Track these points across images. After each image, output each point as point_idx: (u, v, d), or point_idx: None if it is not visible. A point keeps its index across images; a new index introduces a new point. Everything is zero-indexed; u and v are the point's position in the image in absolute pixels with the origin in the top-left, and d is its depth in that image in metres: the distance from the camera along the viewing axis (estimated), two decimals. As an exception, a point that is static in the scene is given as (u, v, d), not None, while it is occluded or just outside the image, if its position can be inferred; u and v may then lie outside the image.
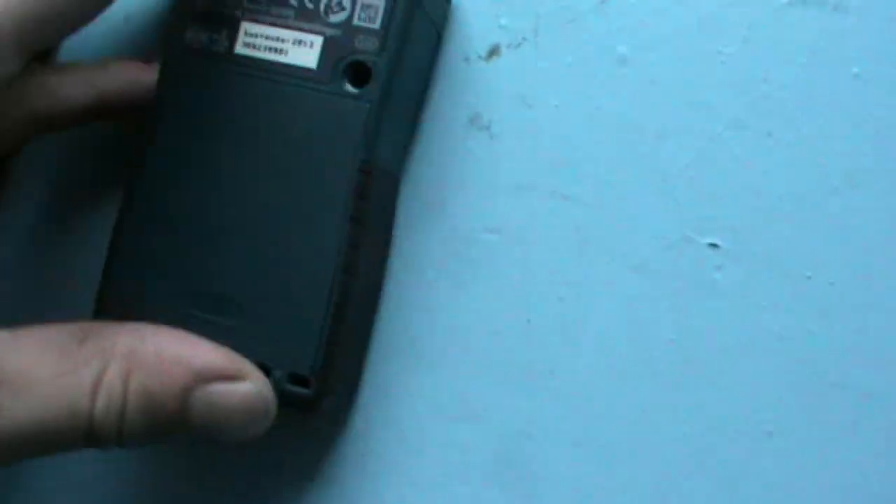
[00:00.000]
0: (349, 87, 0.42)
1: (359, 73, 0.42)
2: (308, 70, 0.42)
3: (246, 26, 0.43)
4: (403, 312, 0.44)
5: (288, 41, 0.43)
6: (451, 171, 0.45)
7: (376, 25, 0.42)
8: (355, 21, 0.42)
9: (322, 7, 0.43)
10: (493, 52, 0.45)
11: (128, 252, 0.42)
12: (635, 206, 0.43)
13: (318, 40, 0.43)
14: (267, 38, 0.43)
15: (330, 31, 0.42)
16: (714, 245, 0.43)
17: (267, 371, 0.40)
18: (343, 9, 0.43)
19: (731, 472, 0.42)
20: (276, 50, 0.43)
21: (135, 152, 0.42)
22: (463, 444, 0.44)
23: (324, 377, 0.41)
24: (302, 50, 0.43)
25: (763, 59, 0.43)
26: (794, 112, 0.43)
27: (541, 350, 0.44)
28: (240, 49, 0.43)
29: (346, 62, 0.42)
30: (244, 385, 0.38)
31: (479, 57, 0.45)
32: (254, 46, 0.43)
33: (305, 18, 0.43)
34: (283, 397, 0.40)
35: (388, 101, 0.42)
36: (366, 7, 0.42)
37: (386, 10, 0.42)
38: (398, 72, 0.42)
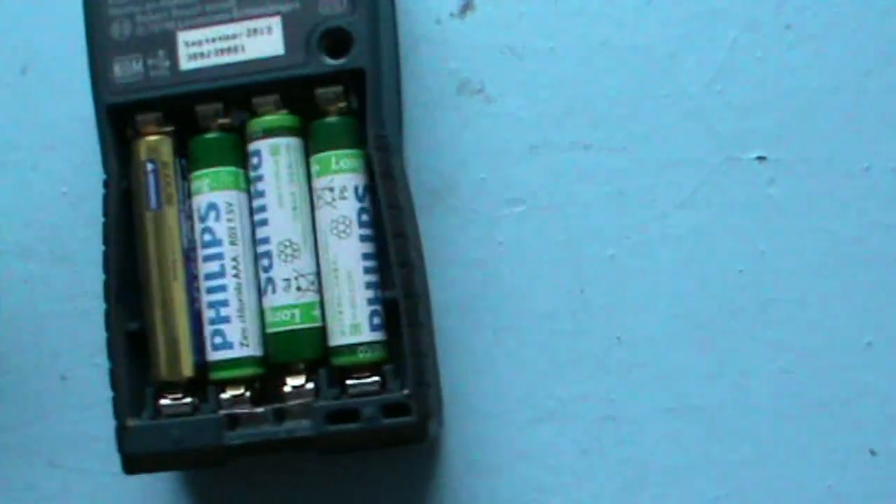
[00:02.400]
0: (330, 60, 0.36)
1: (336, 42, 0.36)
2: (276, 58, 0.36)
3: (184, 36, 0.37)
4: (442, 317, 0.39)
5: (241, 35, 0.37)
6: (452, 145, 0.40)
7: None
8: None
9: None
10: (466, 6, 0.40)
11: None
12: (666, 137, 0.39)
13: (276, 21, 0.37)
14: (213, 40, 0.37)
15: (286, 6, 0.37)
16: (761, 158, 0.39)
17: (353, 414, 0.34)
18: None
19: (833, 391, 0.38)
20: (229, 50, 0.37)
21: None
22: (548, 447, 0.38)
23: (422, 395, 0.35)
24: (260, 39, 0.37)
25: (759, -52, 0.39)
26: (807, -1, 0.39)
27: (602, 319, 0.39)
28: (186, 64, 0.37)
29: (318, 33, 0.36)
30: None
31: (452, 15, 0.40)
32: (202, 55, 0.37)
33: (251, 3, 0.37)
34: (381, 437, 0.34)
35: (379, 65, 0.36)
36: None
37: None
38: (378, 31, 0.36)
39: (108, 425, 0.40)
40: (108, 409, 0.40)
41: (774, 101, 0.39)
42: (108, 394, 0.40)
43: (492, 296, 0.39)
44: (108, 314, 0.37)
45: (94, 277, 0.40)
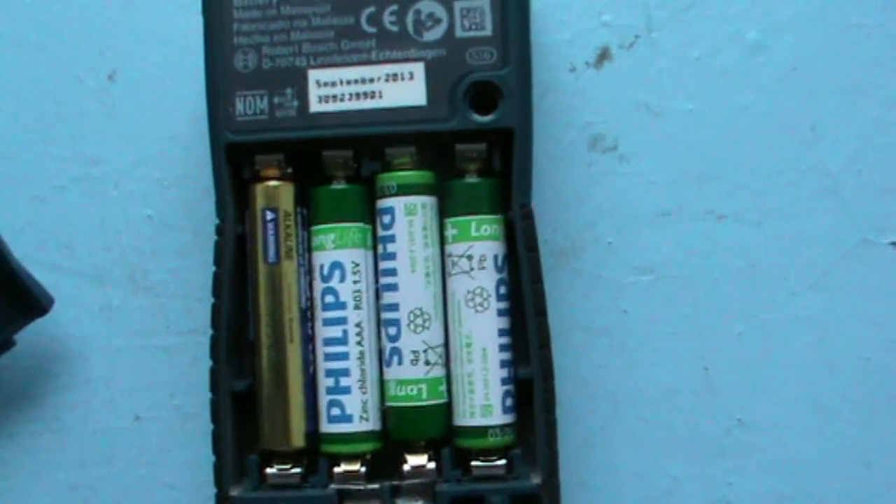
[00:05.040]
0: (476, 116, 0.34)
1: (484, 96, 0.34)
2: (417, 109, 0.34)
3: (316, 75, 0.34)
4: (558, 385, 0.37)
5: (379, 79, 0.34)
6: (580, 204, 0.38)
7: (487, 31, 0.34)
8: (458, 32, 0.34)
9: (410, 25, 0.34)
10: (603, 56, 0.38)
11: None
12: (802, 214, 0.38)
13: (419, 67, 0.34)
14: (349, 82, 0.34)
15: (430, 53, 0.34)
16: (897, 243, 0.38)
17: (479, 501, 0.33)
18: (438, 20, 0.34)
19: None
20: (366, 95, 0.34)
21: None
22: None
23: (553, 485, 0.33)
24: (400, 86, 0.34)
25: (912, 25, 0.38)
26: (956, 78, 0.38)
27: (724, 398, 0.38)
28: (317, 106, 0.34)
29: (464, 85, 0.34)
30: None
31: (587, 64, 0.38)
32: (334, 98, 0.34)
33: (393, 45, 0.34)
34: None
35: (529, 127, 0.34)
36: (467, 12, 0.34)
37: (494, 11, 0.34)
38: (530, 88, 0.34)
39: (183, 473, 0.39)
40: (186, 455, 0.39)
41: (914, 183, 0.38)
42: (187, 439, 0.38)
43: (612, 366, 0.38)
44: (213, 373, 0.34)
45: (178, 312, 0.39)
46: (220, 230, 0.35)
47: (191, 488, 0.38)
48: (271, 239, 0.35)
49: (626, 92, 0.38)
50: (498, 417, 0.34)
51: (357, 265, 0.34)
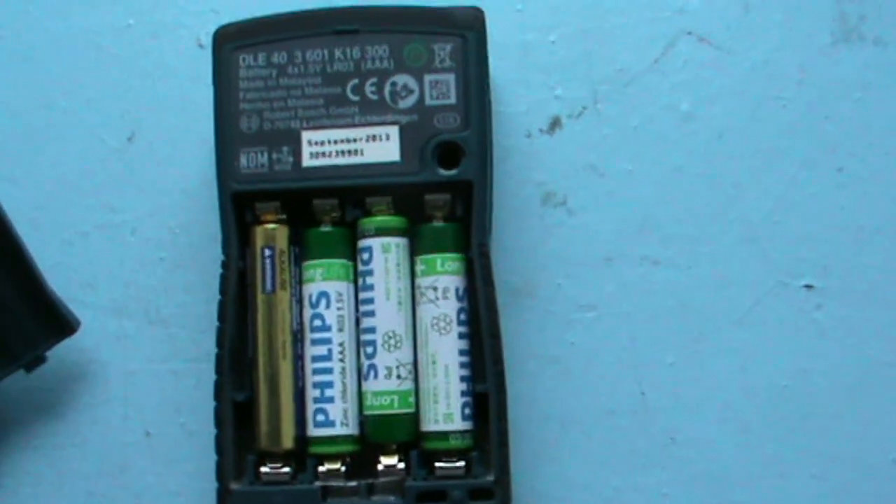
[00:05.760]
0: (442, 171, 0.40)
1: (448, 154, 0.40)
2: (392, 164, 0.40)
3: (308, 136, 0.40)
4: (515, 406, 0.42)
5: (360, 139, 0.40)
6: (534, 251, 0.43)
7: (452, 100, 0.40)
8: (428, 101, 0.40)
9: (387, 95, 0.40)
10: (555, 124, 0.44)
11: None
12: (726, 259, 0.43)
13: (394, 130, 0.40)
14: (335, 142, 0.40)
15: (404, 118, 0.40)
16: (809, 286, 0.43)
17: (441, 495, 0.38)
18: (411, 91, 0.40)
19: (859, 501, 0.42)
20: (350, 152, 0.40)
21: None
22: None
23: (505, 482, 0.38)
24: (378, 145, 0.40)
25: (820, 98, 0.44)
26: (859, 145, 0.43)
27: (659, 419, 0.43)
28: (308, 161, 0.40)
29: (432, 145, 0.40)
30: None
31: (541, 131, 0.44)
32: (323, 154, 0.40)
33: (372, 111, 0.40)
34: None
35: (485, 178, 0.40)
36: (435, 84, 0.40)
37: (458, 83, 0.40)
38: (487, 147, 0.40)
39: (188, 482, 0.43)
40: (190, 466, 0.43)
41: (824, 234, 0.43)
42: (191, 452, 0.43)
43: (562, 390, 0.43)
44: (218, 385, 0.40)
45: (185, 341, 0.43)
46: (225, 265, 0.40)
47: (195, 495, 0.43)
48: (269, 272, 0.40)
49: (574, 155, 0.43)
50: (458, 424, 0.39)
51: (340, 294, 0.40)
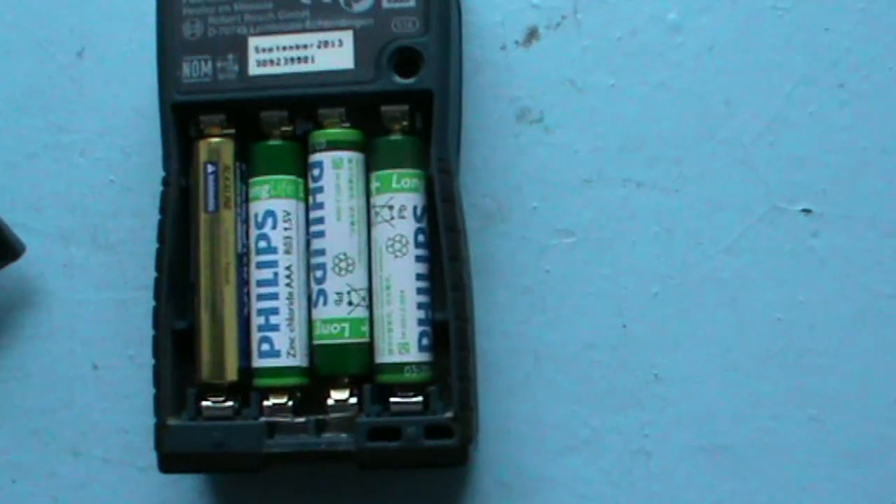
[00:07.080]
0: (399, 79, 0.36)
1: (406, 61, 0.37)
2: (345, 72, 0.37)
3: (255, 42, 0.37)
4: (484, 339, 0.39)
5: (311, 45, 0.37)
6: (507, 172, 0.40)
7: (411, 3, 0.37)
8: (385, 3, 0.37)
9: None
10: (531, 35, 0.41)
11: None
12: (716, 182, 0.40)
13: (348, 35, 0.37)
14: (284, 48, 0.37)
15: (359, 22, 0.37)
16: (806, 211, 0.40)
17: (395, 433, 0.35)
18: None
19: (860, 443, 0.39)
20: (299, 59, 0.37)
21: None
22: (579, 476, 0.39)
23: (465, 419, 0.35)
24: (330, 51, 0.37)
25: (821, 9, 0.40)
26: (862, 59, 0.40)
27: (641, 354, 0.40)
28: (255, 70, 0.37)
29: (389, 51, 0.37)
30: None
31: (517, 43, 0.41)
32: (271, 62, 0.37)
33: (325, 15, 0.37)
34: (421, 457, 0.35)
35: (447, 88, 0.37)
36: None
37: None
38: (449, 54, 0.37)
39: (136, 418, 0.41)
40: (138, 402, 0.41)
41: (823, 156, 0.40)
42: (140, 386, 0.40)
43: (535, 322, 0.40)
44: (156, 312, 0.37)
45: (135, 268, 0.41)
46: (165, 182, 0.38)
47: (143, 432, 0.40)
48: (212, 190, 0.37)
49: (552, 69, 0.41)
50: (414, 355, 0.36)
51: (288, 213, 0.37)
